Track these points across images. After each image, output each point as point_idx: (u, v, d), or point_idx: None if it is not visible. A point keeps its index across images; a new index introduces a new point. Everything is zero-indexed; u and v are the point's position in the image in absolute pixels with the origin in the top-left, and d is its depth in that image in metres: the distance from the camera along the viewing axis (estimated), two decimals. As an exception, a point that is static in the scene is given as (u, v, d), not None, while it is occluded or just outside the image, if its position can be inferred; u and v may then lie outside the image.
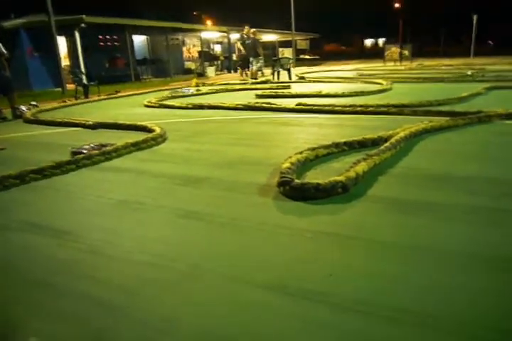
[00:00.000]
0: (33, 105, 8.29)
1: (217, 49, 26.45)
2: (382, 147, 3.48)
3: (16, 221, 2.49)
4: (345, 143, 3.77)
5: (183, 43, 22.86)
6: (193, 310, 1.54)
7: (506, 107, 5.21)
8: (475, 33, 26.45)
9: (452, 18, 41.49)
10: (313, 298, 1.56)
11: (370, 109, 5.87)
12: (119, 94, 10.98)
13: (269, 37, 27.22)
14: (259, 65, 14.37)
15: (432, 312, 1.44)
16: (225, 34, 22.67)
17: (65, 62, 14.33)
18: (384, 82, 10.07)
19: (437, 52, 34.25)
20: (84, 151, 3.97)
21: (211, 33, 23.05)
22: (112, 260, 1.94)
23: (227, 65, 23.29)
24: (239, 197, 2.73)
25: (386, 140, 3.77)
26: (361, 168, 2.92)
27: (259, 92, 9.04)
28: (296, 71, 16.31)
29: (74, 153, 3.97)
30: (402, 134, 3.91)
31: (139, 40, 19.65)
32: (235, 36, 22.62)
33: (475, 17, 26.35)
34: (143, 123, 5.36)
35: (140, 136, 4.55)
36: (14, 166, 3.52)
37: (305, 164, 3.28)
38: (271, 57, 20.47)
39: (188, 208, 2.56)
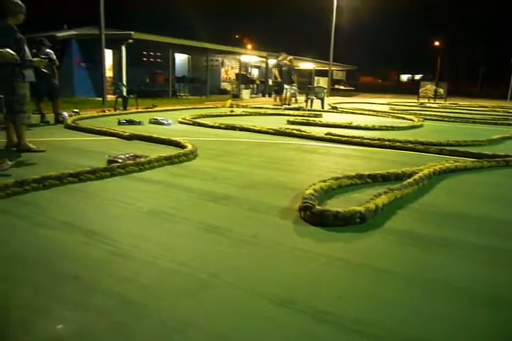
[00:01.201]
0: (75, 112, 8.70)
1: (255, 73, 27.06)
2: (404, 182, 3.58)
3: (54, 220, 2.68)
4: (368, 176, 3.88)
5: (222, 64, 23.54)
6: (207, 315, 1.67)
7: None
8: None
9: (492, 61, 41.41)
10: (320, 316, 1.67)
11: (398, 144, 5.97)
12: (156, 109, 11.38)
13: (306, 65, 27.72)
14: (292, 91, 14.68)
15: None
16: (264, 59, 23.22)
17: (108, 73, 14.97)
18: (415, 119, 10.16)
19: (473, 93, 34.11)
20: (120, 160, 4.20)
21: (250, 57, 23.66)
22: (137, 263, 2.10)
23: (263, 89, 23.77)
24: (261, 218, 2.87)
25: (409, 176, 3.87)
26: (381, 200, 3.02)
27: (291, 119, 9.26)
28: (330, 100, 16.55)
29: (110, 162, 4.20)
30: (425, 171, 4.00)
31: (180, 58, 20.37)
32: (273, 62, 23.16)
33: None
34: (176, 138, 5.60)
35: (172, 151, 4.78)
36: (52, 168, 3.78)
37: (328, 192, 3.41)
38: (306, 85, 20.81)
39: (212, 223, 2.70)
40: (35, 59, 5.17)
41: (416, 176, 3.80)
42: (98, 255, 2.17)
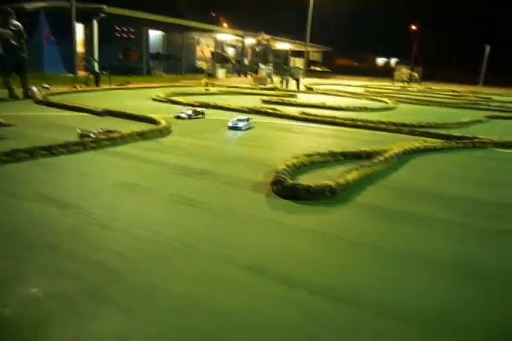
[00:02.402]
0: (45, 87, 8.47)
1: (230, 52, 26.73)
2: (375, 160, 3.67)
3: (27, 191, 2.66)
4: (341, 154, 3.95)
5: (198, 43, 23.13)
6: (179, 281, 1.71)
7: (503, 136, 5.42)
8: (486, 62, 26.86)
9: (466, 47, 42.01)
10: (292, 282, 1.74)
11: (370, 124, 6.07)
12: (129, 86, 11.18)
13: (282, 45, 27.52)
14: (268, 71, 14.63)
15: (403, 307, 1.62)
16: (240, 38, 22.93)
17: (79, 49, 14.53)
18: (389, 101, 10.30)
19: (447, 78, 34.61)
20: (92, 135, 4.14)
21: (226, 36, 23.32)
22: (112, 231, 2.12)
23: (238, 68, 23.54)
24: (235, 191, 2.91)
25: (380, 154, 3.96)
26: (352, 176, 3.10)
27: (266, 98, 9.25)
28: (306, 82, 16.54)
29: (82, 136, 4.14)
30: (396, 150, 4.10)
31: (154, 34, 19.90)
32: (249, 41, 22.91)
33: (488, 47, 26.81)
34: (149, 115, 5.54)
35: (146, 127, 4.73)
36: (23, 142, 3.70)
37: (300, 168, 3.46)
38: (282, 65, 20.73)
39: (187, 195, 2.73)
40: (1, 30, 4.98)
41: (386, 154, 3.90)
42: (73, 225, 2.17)
